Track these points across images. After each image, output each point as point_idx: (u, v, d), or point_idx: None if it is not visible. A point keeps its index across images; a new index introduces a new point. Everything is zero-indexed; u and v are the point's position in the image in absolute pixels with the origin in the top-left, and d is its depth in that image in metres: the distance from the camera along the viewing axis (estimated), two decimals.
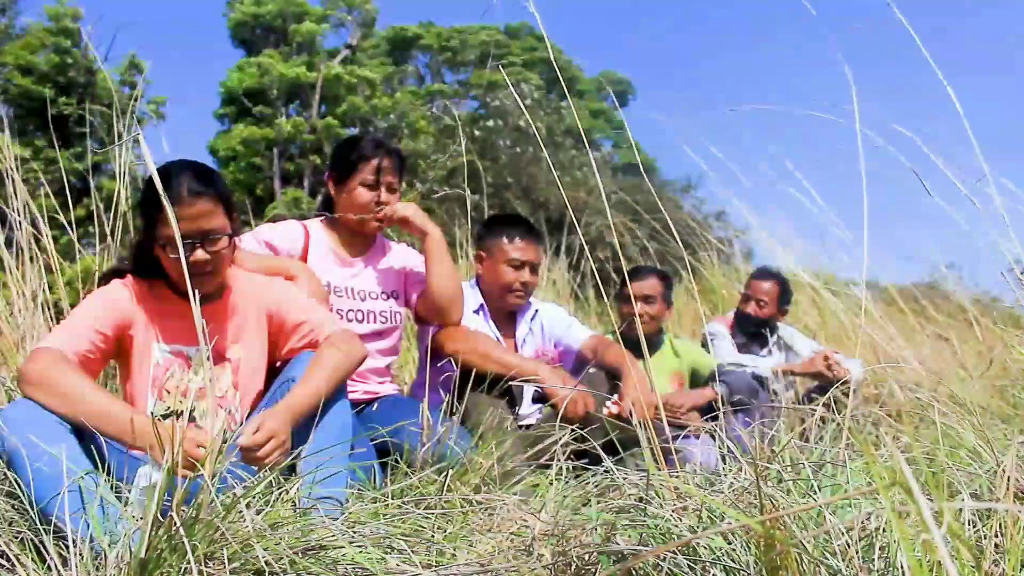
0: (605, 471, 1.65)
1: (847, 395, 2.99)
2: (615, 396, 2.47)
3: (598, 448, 1.72)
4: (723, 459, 1.75)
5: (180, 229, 1.53)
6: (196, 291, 1.35)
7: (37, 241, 2.66)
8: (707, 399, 2.97)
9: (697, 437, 2.64)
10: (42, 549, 1.33)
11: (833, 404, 1.85)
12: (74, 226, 2.80)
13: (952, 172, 1.73)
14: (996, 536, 1.15)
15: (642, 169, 2.14)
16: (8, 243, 2.60)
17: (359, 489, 1.81)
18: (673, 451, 1.82)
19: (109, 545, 1.26)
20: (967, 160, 1.73)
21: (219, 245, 1.78)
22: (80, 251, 2.98)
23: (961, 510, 1.16)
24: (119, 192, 2.75)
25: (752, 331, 3.63)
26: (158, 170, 1.74)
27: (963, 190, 1.71)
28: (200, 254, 1.75)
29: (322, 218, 2.54)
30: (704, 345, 3.63)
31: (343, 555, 1.29)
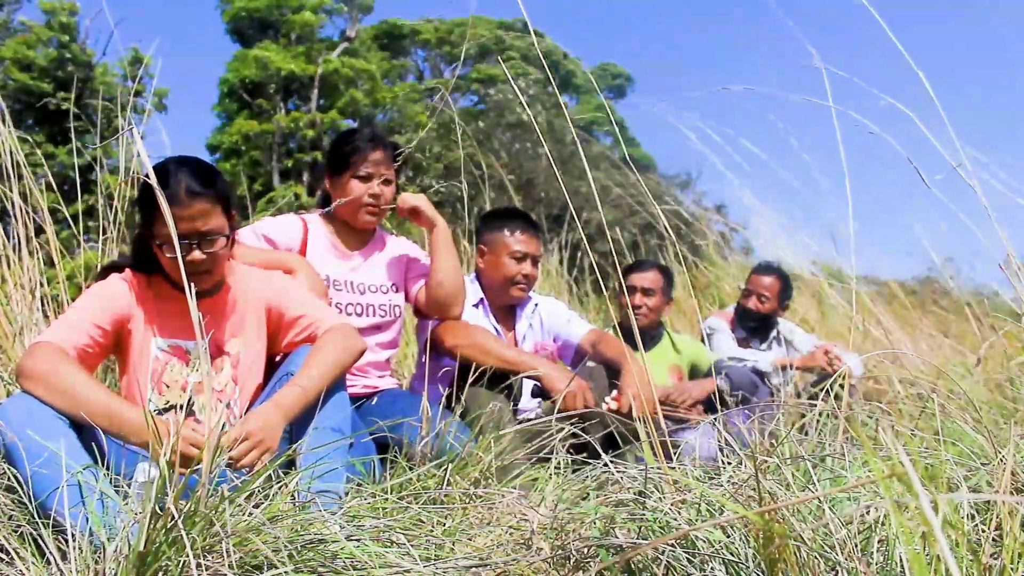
0: (604, 465, 1.65)
1: (845, 389, 2.99)
2: (615, 392, 2.47)
3: (595, 443, 1.73)
4: (722, 452, 1.75)
5: (177, 229, 1.53)
6: (193, 287, 1.34)
7: (37, 234, 2.66)
8: (708, 391, 2.97)
9: (696, 426, 2.64)
10: (41, 543, 1.33)
11: (833, 398, 1.85)
12: (79, 219, 2.80)
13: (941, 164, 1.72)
14: (995, 529, 1.15)
15: (631, 163, 2.14)
16: (7, 236, 2.60)
17: (358, 483, 1.81)
18: (672, 445, 1.82)
19: (108, 539, 1.26)
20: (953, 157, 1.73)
21: (216, 246, 1.77)
22: (80, 244, 2.97)
23: (960, 503, 1.16)
24: (119, 187, 2.75)
25: (753, 326, 3.63)
26: (156, 167, 1.73)
27: (966, 180, 1.71)
28: (197, 255, 1.74)
29: (320, 212, 2.54)
30: (704, 340, 3.63)
31: (341, 549, 1.29)
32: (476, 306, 2.71)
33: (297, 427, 1.73)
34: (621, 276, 3.24)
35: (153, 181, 1.36)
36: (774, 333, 3.65)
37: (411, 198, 2.43)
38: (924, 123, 1.75)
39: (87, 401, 1.53)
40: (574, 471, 1.90)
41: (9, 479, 1.47)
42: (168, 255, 1.72)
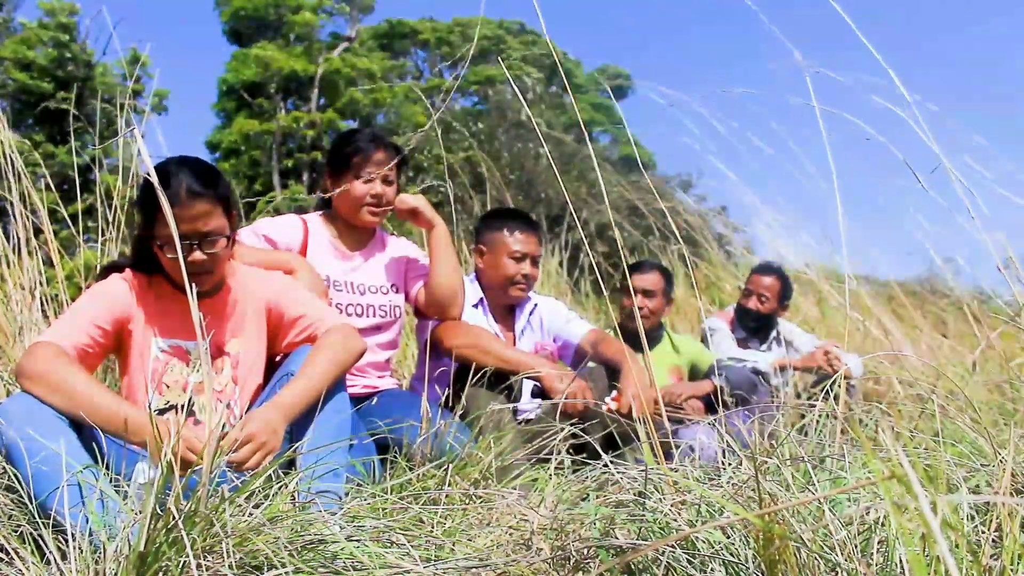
0: (604, 466, 1.65)
1: (846, 390, 2.98)
2: (614, 392, 2.47)
3: (595, 443, 1.73)
4: (722, 453, 1.75)
5: (178, 229, 1.53)
6: (201, 288, 1.34)
7: (37, 234, 2.66)
8: (706, 390, 2.97)
9: (695, 424, 2.64)
10: (41, 543, 1.33)
11: (832, 398, 1.85)
12: (78, 219, 2.80)
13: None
14: (995, 530, 1.16)
15: (640, 164, 2.14)
16: (7, 236, 2.60)
17: (358, 484, 1.81)
18: (672, 444, 1.82)
19: (108, 539, 1.26)
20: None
21: (217, 246, 1.77)
22: (80, 244, 2.97)
23: (960, 504, 1.16)
24: (118, 187, 2.75)
25: (753, 326, 3.63)
26: (158, 167, 1.73)
27: (960, 179, 1.71)
28: (197, 255, 1.74)
29: (321, 212, 2.54)
30: (704, 340, 3.63)
31: (341, 549, 1.29)
32: (476, 306, 2.71)
33: (297, 427, 1.73)
34: (623, 278, 3.25)
35: (155, 181, 1.36)
36: (774, 333, 3.66)
37: (410, 199, 2.44)
38: (923, 122, 1.75)
39: (87, 401, 1.53)
40: (574, 471, 1.90)
41: (9, 479, 1.47)
42: (169, 255, 1.72)
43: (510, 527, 1.56)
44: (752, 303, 3.61)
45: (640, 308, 3.15)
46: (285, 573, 1.18)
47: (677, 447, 2.43)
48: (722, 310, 4.07)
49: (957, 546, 1.02)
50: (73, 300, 2.01)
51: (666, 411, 2.73)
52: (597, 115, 17.15)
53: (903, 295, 4.52)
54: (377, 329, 2.46)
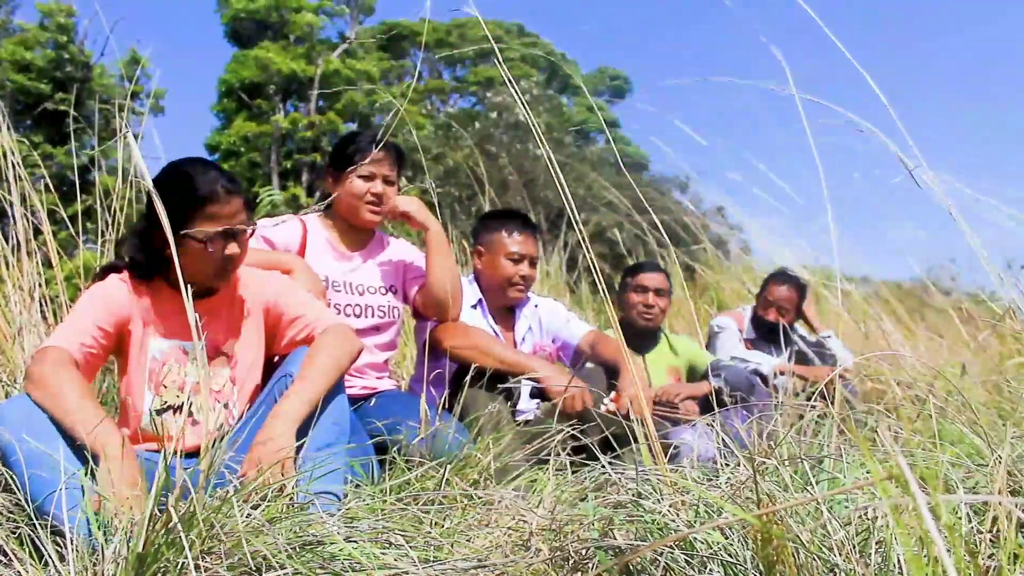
0: (602, 466, 1.65)
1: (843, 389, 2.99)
2: (613, 392, 2.47)
3: (594, 445, 1.73)
4: (720, 454, 1.75)
5: (218, 226, 1.71)
6: (216, 285, 1.35)
7: (36, 235, 2.66)
8: (704, 391, 2.98)
9: (693, 427, 2.64)
10: (39, 545, 1.33)
11: (831, 398, 1.85)
12: (78, 220, 2.80)
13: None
14: (992, 528, 1.16)
15: (623, 165, 2.13)
16: (6, 237, 2.60)
17: (356, 485, 1.81)
18: (671, 446, 1.82)
19: (106, 541, 1.26)
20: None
21: (249, 240, 1.84)
22: (79, 245, 2.97)
23: (958, 504, 1.16)
24: (117, 188, 2.75)
25: (768, 334, 3.64)
26: (180, 167, 1.78)
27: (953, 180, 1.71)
28: (235, 249, 1.78)
29: (320, 213, 2.54)
30: (710, 340, 3.64)
31: (340, 550, 1.29)
32: (475, 307, 2.71)
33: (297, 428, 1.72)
34: (628, 276, 3.26)
35: (151, 184, 1.37)
36: (786, 340, 3.67)
37: (403, 201, 2.44)
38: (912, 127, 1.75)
39: (72, 415, 1.52)
40: (573, 472, 1.90)
41: (7, 480, 1.47)
42: (211, 249, 1.75)
43: (509, 528, 1.56)
44: (772, 315, 3.62)
45: (652, 306, 3.16)
46: (284, 574, 1.18)
47: (675, 447, 2.43)
48: (731, 310, 4.08)
49: (955, 546, 1.02)
50: (72, 301, 2.01)
51: (663, 411, 2.73)
52: (594, 116, 17.14)
53: (897, 298, 4.53)
54: (376, 330, 2.46)
